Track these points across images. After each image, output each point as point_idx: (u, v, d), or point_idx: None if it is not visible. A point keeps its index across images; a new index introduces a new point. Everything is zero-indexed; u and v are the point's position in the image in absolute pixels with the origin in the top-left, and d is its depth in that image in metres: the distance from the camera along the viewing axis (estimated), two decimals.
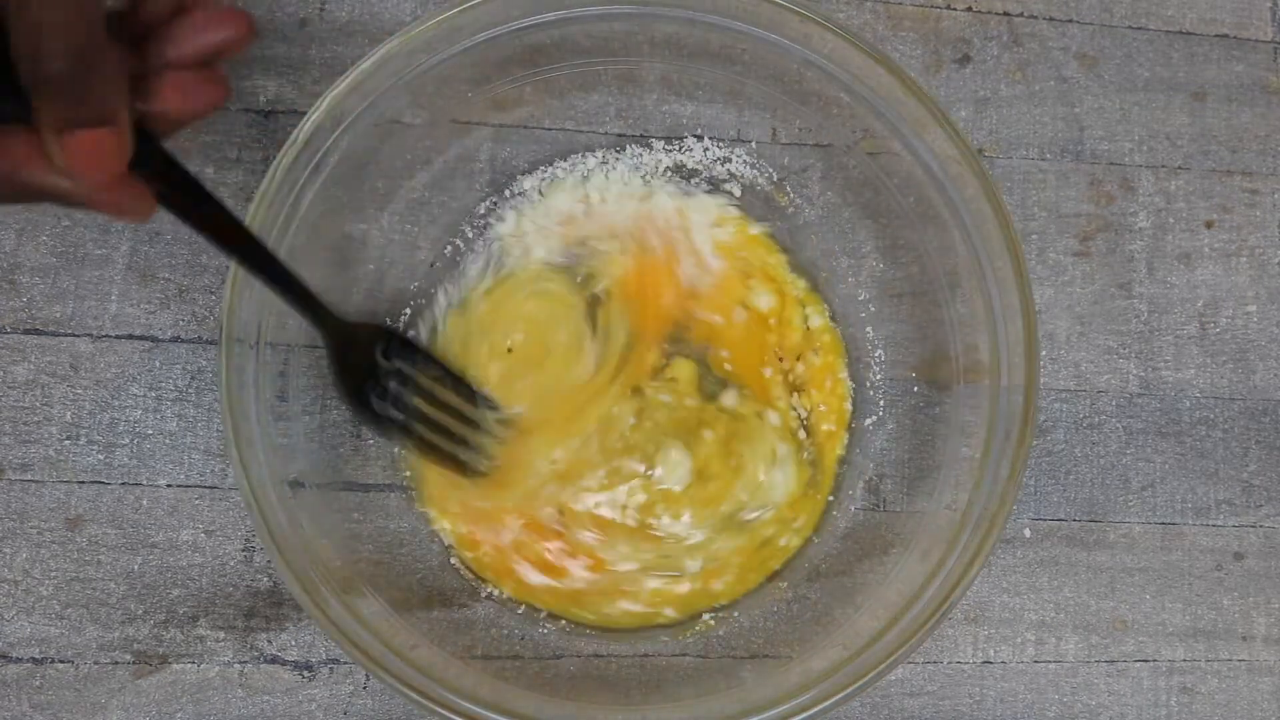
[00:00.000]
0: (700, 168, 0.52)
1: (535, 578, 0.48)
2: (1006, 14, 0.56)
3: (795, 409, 0.50)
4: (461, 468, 0.46)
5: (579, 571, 0.48)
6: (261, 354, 0.42)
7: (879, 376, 0.51)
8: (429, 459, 0.46)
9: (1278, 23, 0.57)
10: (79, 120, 0.28)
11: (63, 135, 0.28)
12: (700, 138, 0.52)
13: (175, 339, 0.49)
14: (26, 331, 0.48)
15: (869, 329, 0.51)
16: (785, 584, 0.49)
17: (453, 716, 0.39)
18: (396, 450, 0.48)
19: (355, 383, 0.43)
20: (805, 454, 0.50)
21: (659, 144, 0.52)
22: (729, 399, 0.49)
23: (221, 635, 0.47)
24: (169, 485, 0.48)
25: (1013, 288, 0.44)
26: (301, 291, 0.40)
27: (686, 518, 0.48)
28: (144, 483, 0.48)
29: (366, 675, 0.47)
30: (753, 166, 0.52)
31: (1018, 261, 0.44)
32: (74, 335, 0.48)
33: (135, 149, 0.30)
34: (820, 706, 0.40)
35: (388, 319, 0.49)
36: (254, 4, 0.51)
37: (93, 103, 0.28)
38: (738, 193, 0.52)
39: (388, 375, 0.44)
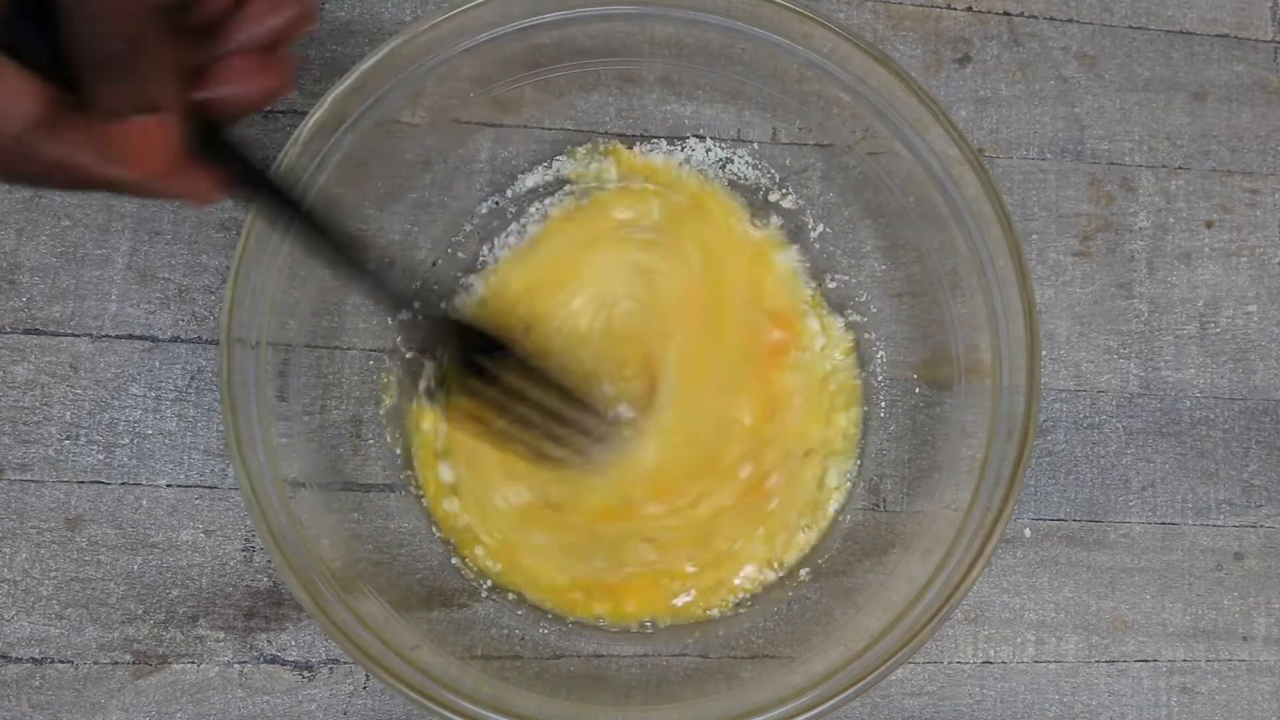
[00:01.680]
0: (704, 168, 0.52)
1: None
2: (1006, 14, 0.56)
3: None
4: (549, 460, 0.44)
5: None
6: (261, 354, 0.42)
7: (880, 377, 0.51)
8: (510, 450, 0.44)
9: (1278, 23, 0.57)
10: (129, 107, 0.27)
11: (112, 123, 0.28)
12: (702, 138, 0.52)
13: (175, 339, 0.49)
14: (26, 331, 0.48)
15: (870, 329, 0.51)
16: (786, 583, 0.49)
17: (453, 716, 0.39)
18: (398, 452, 0.48)
19: (441, 375, 0.43)
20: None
21: (661, 144, 0.52)
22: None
23: (221, 635, 0.47)
24: (169, 485, 0.48)
25: (1014, 287, 0.44)
26: (385, 282, 0.38)
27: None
28: (144, 483, 0.48)
29: (366, 675, 0.47)
30: (754, 167, 0.52)
31: (1019, 261, 0.44)
32: (74, 335, 0.48)
33: (197, 137, 0.30)
34: (821, 707, 0.40)
35: (390, 318, 0.49)
36: None
37: (142, 89, 0.27)
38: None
39: (480, 372, 0.42)
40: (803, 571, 0.49)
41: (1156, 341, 0.54)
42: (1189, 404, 0.54)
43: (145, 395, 0.48)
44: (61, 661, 0.46)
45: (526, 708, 0.41)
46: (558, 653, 0.47)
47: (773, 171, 0.52)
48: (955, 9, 0.55)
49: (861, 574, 0.47)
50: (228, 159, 0.32)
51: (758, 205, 0.52)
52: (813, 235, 0.52)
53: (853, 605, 0.46)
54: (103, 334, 0.48)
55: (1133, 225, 0.55)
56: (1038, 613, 0.51)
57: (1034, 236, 0.54)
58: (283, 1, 0.31)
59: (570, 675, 0.47)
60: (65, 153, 0.28)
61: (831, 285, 0.51)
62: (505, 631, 0.47)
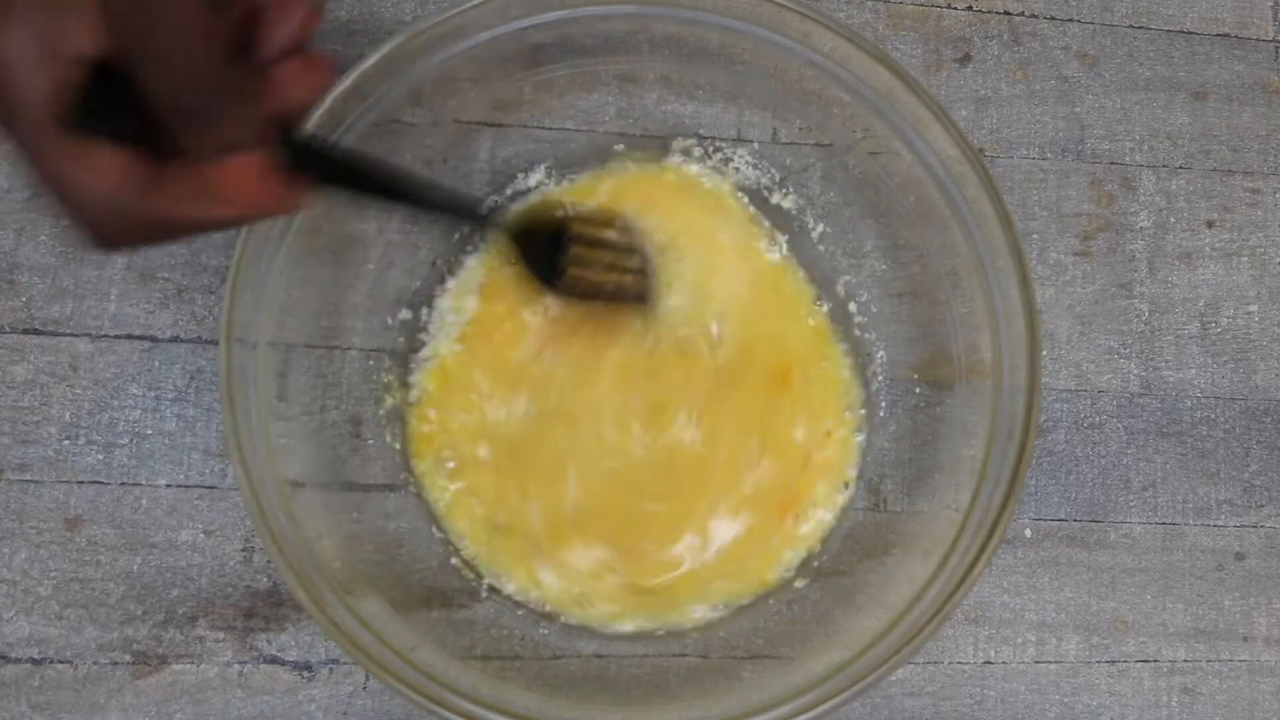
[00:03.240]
0: (705, 168, 0.52)
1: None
2: (1007, 13, 0.55)
3: None
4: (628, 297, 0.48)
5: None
6: (261, 354, 0.42)
7: (880, 377, 0.51)
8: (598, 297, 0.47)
9: (1279, 22, 0.57)
10: (221, 149, 0.28)
11: (210, 168, 0.28)
12: (702, 138, 0.52)
13: (175, 339, 0.49)
14: (26, 331, 0.48)
15: (870, 329, 0.51)
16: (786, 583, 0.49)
17: (453, 716, 0.39)
18: (397, 448, 0.48)
19: (544, 267, 0.46)
20: None
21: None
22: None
23: (221, 635, 0.47)
24: (168, 485, 0.48)
25: (1014, 287, 0.44)
26: (475, 214, 0.43)
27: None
28: (143, 483, 0.48)
29: (366, 675, 0.47)
30: (754, 167, 0.52)
31: (1020, 261, 0.44)
32: (73, 335, 0.48)
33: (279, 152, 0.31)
34: (822, 707, 0.40)
35: (388, 313, 0.49)
36: None
37: (230, 130, 0.28)
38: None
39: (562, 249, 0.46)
40: (799, 581, 0.49)
41: (1157, 341, 0.54)
42: (1190, 404, 0.53)
43: (145, 395, 0.48)
44: (61, 662, 0.46)
45: (526, 708, 0.41)
46: (558, 653, 0.47)
47: (773, 171, 0.52)
48: (956, 8, 0.55)
49: (862, 574, 0.47)
50: (306, 159, 0.33)
51: (761, 207, 0.52)
52: (813, 235, 0.52)
53: (853, 605, 0.46)
54: (102, 334, 0.48)
55: (1133, 225, 0.55)
56: (1038, 613, 0.51)
57: (1034, 236, 0.54)
58: (291, 2, 0.32)
59: (570, 675, 0.47)
60: (164, 207, 0.29)
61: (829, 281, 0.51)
62: (505, 631, 0.47)
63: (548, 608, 0.48)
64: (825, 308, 0.51)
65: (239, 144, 0.29)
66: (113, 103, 0.28)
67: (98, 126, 0.28)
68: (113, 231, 0.29)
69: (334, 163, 0.35)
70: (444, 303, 0.50)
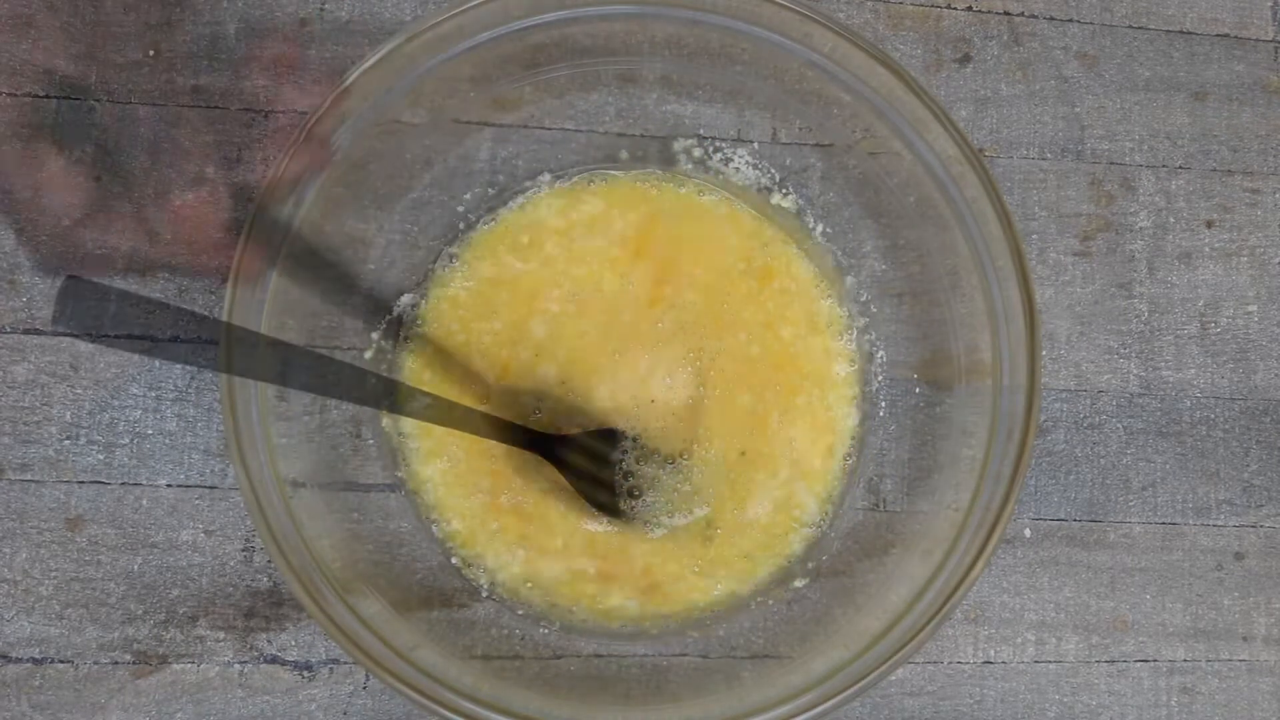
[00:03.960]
0: (704, 168, 0.52)
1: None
2: (1007, 13, 0.55)
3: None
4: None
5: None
6: (262, 354, 0.42)
7: (880, 377, 0.51)
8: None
9: (1278, 22, 0.57)
10: (175, 186, 0.29)
11: (166, 203, 0.30)
12: (702, 138, 0.52)
13: (175, 339, 0.49)
14: (26, 331, 0.48)
15: (870, 329, 0.51)
16: (785, 583, 0.49)
17: (453, 716, 0.39)
18: (396, 448, 0.48)
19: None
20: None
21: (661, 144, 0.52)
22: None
23: (221, 635, 0.47)
24: (169, 485, 0.48)
25: (1014, 287, 0.44)
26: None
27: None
28: (144, 483, 0.48)
29: (366, 675, 0.47)
30: (754, 167, 0.52)
31: (1020, 261, 0.44)
32: (73, 335, 0.48)
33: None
34: (821, 707, 0.40)
35: (388, 313, 0.49)
36: (254, 4, 0.51)
37: (187, 169, 0.30)
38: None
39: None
40: (799, 581, 0.49)
41: (1157, 341, 0.54)
42: (1189, 404, 0.54)
43: (145, 395, 0.48)
44: (61, 661, 0.46)
45: (526, 708, 0.41)
46: (558, 653, 0.47)
47: (773, 171, 0.52)
48: (955, 9, 0.55)
49: (861, 574, 0.47)
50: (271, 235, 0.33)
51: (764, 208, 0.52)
52: (813, 235, 0.52)
53: (853, 605, 0.46)
54: (102, 334, 0.48)
55: (1133, 225, 0.55)
56: (1038, 613, 0.51)
57: (1034, 236, 0.54)
58: (311, 90, 0.32)
59: (570, 675, 0.47)
60: (108, 235, 0.29)
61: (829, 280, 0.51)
62: (505, 631, 0.47)
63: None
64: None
65: (190, 185, 0.29)
66: (76, 127, 0.28)
67: (61, 143, 0.28)
68: (56, 250, 0.29)
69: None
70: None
